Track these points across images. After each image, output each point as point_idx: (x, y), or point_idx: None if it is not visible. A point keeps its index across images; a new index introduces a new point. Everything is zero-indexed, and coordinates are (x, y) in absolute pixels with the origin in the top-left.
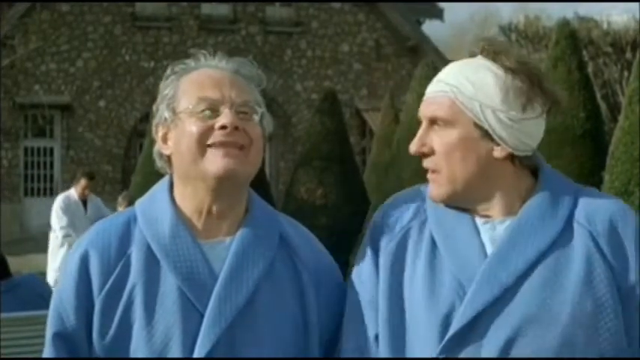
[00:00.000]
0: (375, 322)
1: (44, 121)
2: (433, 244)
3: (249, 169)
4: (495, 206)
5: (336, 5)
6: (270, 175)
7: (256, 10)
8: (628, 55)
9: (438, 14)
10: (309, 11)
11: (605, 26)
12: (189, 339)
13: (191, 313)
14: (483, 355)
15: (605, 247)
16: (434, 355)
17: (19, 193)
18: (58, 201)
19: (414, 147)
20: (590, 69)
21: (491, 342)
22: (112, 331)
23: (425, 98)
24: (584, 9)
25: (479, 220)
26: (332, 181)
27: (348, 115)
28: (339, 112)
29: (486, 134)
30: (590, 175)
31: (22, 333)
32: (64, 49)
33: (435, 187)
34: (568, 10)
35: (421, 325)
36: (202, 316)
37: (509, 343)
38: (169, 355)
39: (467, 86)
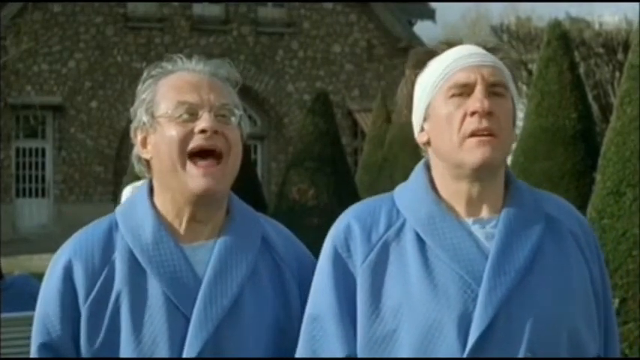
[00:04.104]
0: (349, 339)
1: (36, 122)
2: (420, 246)
3: (228, 181)
4: (485, 199)
5: (328, 6)
6: (261, 175)
7: (248, 11)
8: (619, 55)
9: (430, 15)
10: (300, 12)
11: (596, 27)
12: (176, 343)
13: (177, 318)
14: (514, 350)
15: (582, 245)
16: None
17: (10, 193)
18: (126, 192)
19: (480, 105)
20: (581, 70)
21: (518, 337)
22: (99, 339)
23: (476, 65)
24: (574, 9)
25: (467, 220)
26: (324, 181)
27: (340, 115)
28: (330, 112)
29: (514, 112)
30: (582, 176)
31: (21, 333)
32: (56, 49)
33: (491, 150)
34: (559, 11)
35: (435, 327)
36: (188, 319)
37: (534, 334)
38: None
39: (502, 62)
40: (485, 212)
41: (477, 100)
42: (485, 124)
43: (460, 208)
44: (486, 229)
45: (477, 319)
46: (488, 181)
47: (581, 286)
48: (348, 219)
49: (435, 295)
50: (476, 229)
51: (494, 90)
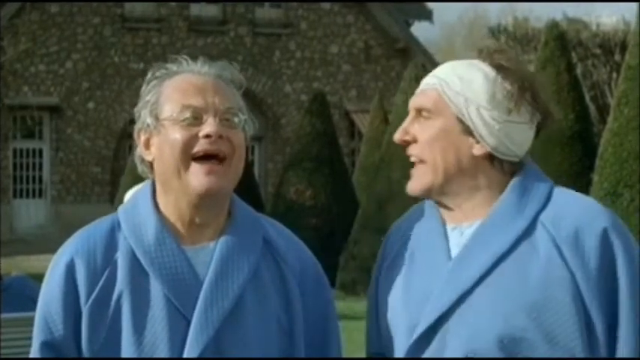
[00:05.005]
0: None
1: (33, 123)
2: (412, 253)
3: (231, 182)
4: (467, 210)
5: (325, 6)
6: (259, 176)
7: (245, 12)
8: (617, 56)
9: (427, 15)
10: (298, 12)
11: (594, 28)
12: (177, 345)
13: (177, 320)
14: (447, 354)
15: (568, 254)
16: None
17: (8, 194)
18: (128, 196)
19: (398, 135)
20: (578, 70)
21: (453, 343)
22: (100, 339)
23: (416, 91)
24: (572, 10)
25: (449, 226)
26: (321, 182)
27: (337, 116)
28: (328, 113)
29: (468, 130)
30: (579, 177)
31: (21, 333)
32: (53, 50)
33: (416, 178)
34: (556, 12)
35: (396, 330)
36: (188, 321)
37: (469, 343)
38: None
39: (455, 81)
40: (472, 216)
41: (399, 129)
42: (410, 150)
43: (452, 206)
44: (464, 235)
45: (420, 324)
46: (450, 194)
47: (549, 294)
48: (399, 219)
49: (404, 299)
50: (453, 236)
51: (420, 114)
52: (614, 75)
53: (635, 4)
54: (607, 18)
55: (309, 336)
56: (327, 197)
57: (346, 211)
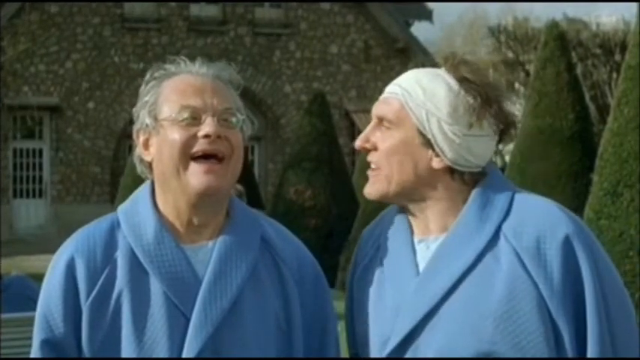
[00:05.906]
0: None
1: (33, 123)
2: (382, 264)
3: (230, 182)
4: (432, 221)
5: (325, 6)
6: (259, 176)
7: (245, 12)
8: (617, 56)
9: (427, 15)
10: (298, 12)
11: (594, 28)
12: (176, 343)
13: (177, 318)
14: None
15: (530, 265)
16: None
17: (8, 194)
18: None
19: (358, 142)
20: (579, 70)
21: (424, 355)
22: (100, 337)
23: (379, 98)
24: (572, 10)
25: (416, 239)
26: (321, 182)
27: (337, 116)
28: (328, 113)
29: (428, 142)
30: (579, 177)
31: (21, 333)
32: (53, 50)
33: (371, 184)
34: (556, 12)
35: (369, 342)
36: (188, 320)
37: (440, 355)
38: None
39: (418, 92)
40: (437, 229)
41: (361, 135)
42: (369, 157)
43: (415, 217)
44: (430, 249)
45: (390, 341)
46: (416, 202)
47: (514, 305)
48: (368, 226)
49: (375, 315)
50: (420, 250)
51: (381, 124)
52: (614, 75)
53: (635, 4)
54: (607, 18)
55: (307, 335)
56: (326, 197)
57: (346, 212)
